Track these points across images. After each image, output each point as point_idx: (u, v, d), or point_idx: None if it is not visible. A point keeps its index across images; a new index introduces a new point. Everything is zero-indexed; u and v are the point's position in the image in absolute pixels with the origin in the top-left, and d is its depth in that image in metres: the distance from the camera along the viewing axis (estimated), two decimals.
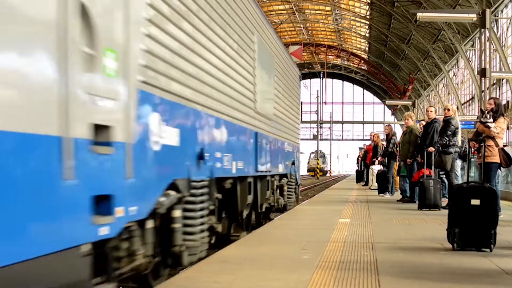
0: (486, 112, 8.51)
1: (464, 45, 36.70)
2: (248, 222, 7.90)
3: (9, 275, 2.19)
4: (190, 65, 4.52)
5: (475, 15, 15.55)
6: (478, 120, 8.89)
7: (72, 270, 2.74)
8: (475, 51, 36.28)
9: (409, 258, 4.93)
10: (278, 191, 9.64)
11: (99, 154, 2.92)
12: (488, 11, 15.37)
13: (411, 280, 3.98)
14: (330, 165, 64.88)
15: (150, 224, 3.82)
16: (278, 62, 9.43)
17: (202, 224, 4.70)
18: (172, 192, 4.12)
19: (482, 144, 8.12)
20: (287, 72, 10.60)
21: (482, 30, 16.31)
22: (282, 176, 10.09)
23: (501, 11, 31.64)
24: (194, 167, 4.61)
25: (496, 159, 8.18)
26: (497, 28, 31.86)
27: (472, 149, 9.21)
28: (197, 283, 3.85)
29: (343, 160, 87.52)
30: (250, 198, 7.16)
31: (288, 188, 10.56)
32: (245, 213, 7.09)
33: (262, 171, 7.77)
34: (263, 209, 8.36)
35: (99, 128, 2.94)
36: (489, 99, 9.06)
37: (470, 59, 37.73)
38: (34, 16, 2.42)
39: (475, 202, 5.29)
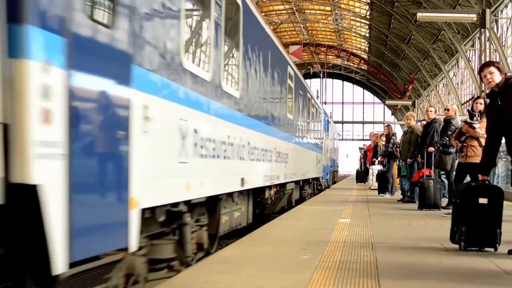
0: (478, 114, 8.48)
1: (464, 45, 36.67)
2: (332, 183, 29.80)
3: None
4: (329, 147, 26.70)
5: (475, 15, 15.53)
6: (464, 120, 8.86)
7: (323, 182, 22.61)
8: (475, 51, 36.25)
9: (409, 258, 4.93)
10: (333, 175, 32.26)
11: (324, 166, 21.75)
12: (488, 11, 15.36)
13: (411, 280, 3.98)
14: None
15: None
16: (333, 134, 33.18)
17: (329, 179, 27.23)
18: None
19: (466, 144, 8.20)
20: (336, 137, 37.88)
21: (482, 30, 16.29)
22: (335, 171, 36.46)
23: (501, 11, 31.61)
24: (331, 169, 28.39)
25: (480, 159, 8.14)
26: (497, 28, 31.83)
27: (456, 149, 9.27)
28: (197, 283, 3.85)
29: (343, 160, 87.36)
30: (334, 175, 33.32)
31: (336, 173, 37.79)
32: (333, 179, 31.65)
33: (335, 169, 35.36)
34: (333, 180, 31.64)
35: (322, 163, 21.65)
36: (477, 98, 9.00)
37: (470, 59, 37.70)
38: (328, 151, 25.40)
39: (483, 200, 5.27)
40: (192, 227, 5.25)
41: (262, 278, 3.97)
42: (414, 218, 8.62)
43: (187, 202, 4.98)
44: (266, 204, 9.77)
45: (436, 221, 8.17)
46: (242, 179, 7.05)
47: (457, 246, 5.43)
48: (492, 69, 5.24)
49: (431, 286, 3.82)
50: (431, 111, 11.45)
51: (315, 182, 18.82)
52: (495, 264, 4.64)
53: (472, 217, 5.28)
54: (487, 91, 5.44)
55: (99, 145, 3.29)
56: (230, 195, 6.85)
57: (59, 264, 2.74)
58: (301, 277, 4.00)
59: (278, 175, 10.12)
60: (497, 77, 5.21)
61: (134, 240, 3.57)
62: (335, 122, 65.50)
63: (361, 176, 26.94)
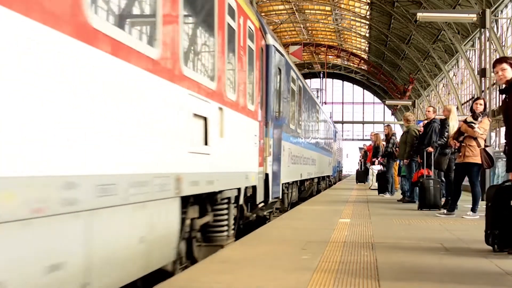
0: (480, 114, 8.48)
1: (464, 45, 36.67)
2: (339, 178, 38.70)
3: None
4: (336, 151, 33.34)
5: (475, 15, 15.54)
6: (463, 120, 8.85)
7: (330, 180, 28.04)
8: (475, 51, 36.26)
9: (409, 258, 4.93)
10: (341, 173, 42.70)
11: (333, 166, 28.60)
12: (488, 11, 15.36)
13: (411, 280, 3.97)
14: None
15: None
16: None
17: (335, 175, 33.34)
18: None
19: (464, 143, 8.17)
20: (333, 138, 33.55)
21: (482, 30, 16.30)
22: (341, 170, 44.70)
23: (501, 11, 31.63)
24: (337, 168, 35.53)
25: (478, 159, 8.12)
26: (497, 28, 31.84)
27: (453, 149, 9.28)
28: (197, 283, 3.85)
29: (343, 160, 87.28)
30: (339, 174, 40.56)
31: (341, 172, 44.73)
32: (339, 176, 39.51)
33: (340, 169, 42.36)
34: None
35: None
36: (477, 99, 8.97)
37: (470, 59, 37.71)
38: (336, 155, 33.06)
39: None
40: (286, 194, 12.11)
41: (262, 278, 3.97)
42: (414, 218, 8.62)
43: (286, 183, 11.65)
44: (303, 190, 16.22)
45: (436, 221, 8.17)
46: (301, 174, 14.09)
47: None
48: (504, 65, 5.19)
49: (431, 286, 3.82)
50: (429, 111, 11.44)
51: (327, 179, 25.82)
52: (495, 264, 4.64)
53: (504, 220, 5.16)
54: (501, 87, 5.35)
55: (277, 162, 9.73)
56: (295, 182, 13.51)
57: (270, 198, 9.00)
58: (301, 277, 3.99)
59: (311, 173, 17.07)
60: (509, 74, 5.14)
61: (281, 194, 10.30)
62: (335, 122, 65.77)
63: (361, 176, 26.92)
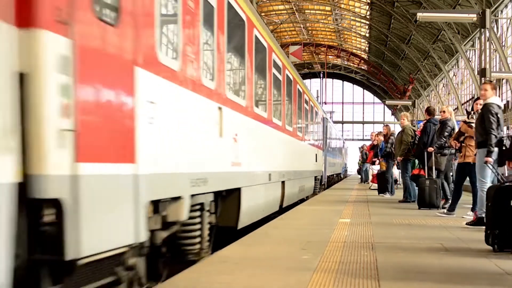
0: (473, 113, 8.49)
1: (464, 45, 36.67)
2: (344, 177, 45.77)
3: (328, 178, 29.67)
4: (344, 155, 46.24)
5: (475, 15, 15.54)
6: (463, 120, 8.86)
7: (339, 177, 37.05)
8: (475, 51, 36.27)
9: (409, 258, 4.93)
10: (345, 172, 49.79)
11: (342, 166, 40.69)
12: (488, 11, 15.35)
13: (411, 280, 3.97)
14: None
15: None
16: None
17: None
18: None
19: (464, 144, 8.18)
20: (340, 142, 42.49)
21: (482, 30, 16.30)
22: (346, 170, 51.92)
23: (501, 11, 31.63)
24: (344, 168, 44.97)
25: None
26: (497, 28, 31.84)
27: (453, 149, 9.29)
28: (197, 283, 3.85)
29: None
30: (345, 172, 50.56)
31: (346, 171, 52.11)
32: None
33: (346, 168, 50.06)
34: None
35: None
36: (477, 99, 8.97)
37: (470, 59, 37.70)
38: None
39: None
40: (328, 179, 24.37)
41: (262, 278, 3.97)
42: (414, 218, 8.62)
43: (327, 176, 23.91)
44: (328, 181, 24.34)
45: (436, 221, 8.18)
46: (330, 171, 25.80)
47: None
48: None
49: (431, 286, 3.82)
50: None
51: (339, 175, 34.83)
52: (495, 264, 4.64)
53: (504, 221, 5.17)
54: None
55: (325, 166, 21.67)
56: (328, 176, 24.38)
57: (323, 181, 21.46)
58: (301, 277, 3.99)
59: (334, 171, 28.46)
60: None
61: (325, 179, 22.80)
62: (335, 122, 65.79)
63: (362, 175, 26.89)
